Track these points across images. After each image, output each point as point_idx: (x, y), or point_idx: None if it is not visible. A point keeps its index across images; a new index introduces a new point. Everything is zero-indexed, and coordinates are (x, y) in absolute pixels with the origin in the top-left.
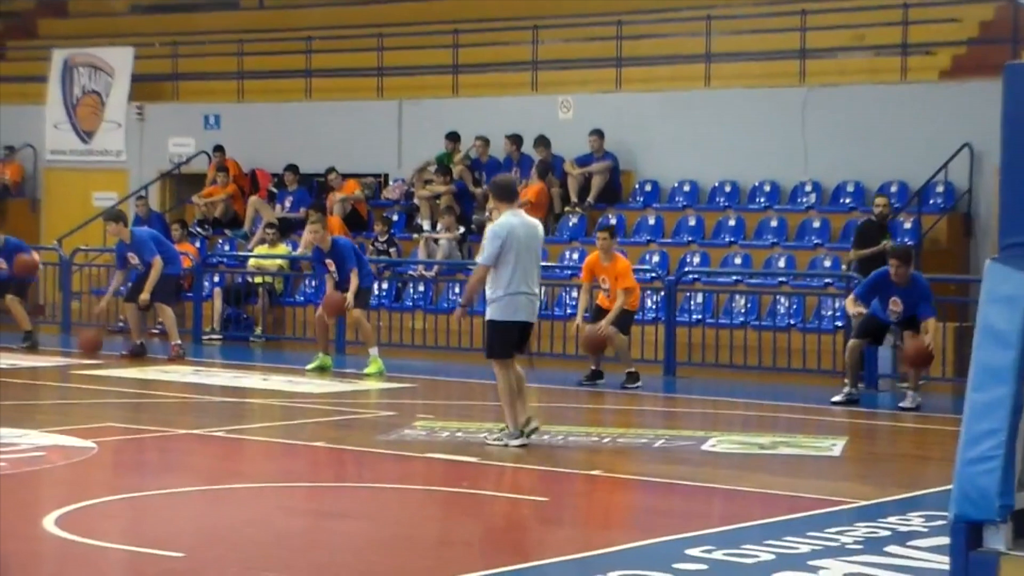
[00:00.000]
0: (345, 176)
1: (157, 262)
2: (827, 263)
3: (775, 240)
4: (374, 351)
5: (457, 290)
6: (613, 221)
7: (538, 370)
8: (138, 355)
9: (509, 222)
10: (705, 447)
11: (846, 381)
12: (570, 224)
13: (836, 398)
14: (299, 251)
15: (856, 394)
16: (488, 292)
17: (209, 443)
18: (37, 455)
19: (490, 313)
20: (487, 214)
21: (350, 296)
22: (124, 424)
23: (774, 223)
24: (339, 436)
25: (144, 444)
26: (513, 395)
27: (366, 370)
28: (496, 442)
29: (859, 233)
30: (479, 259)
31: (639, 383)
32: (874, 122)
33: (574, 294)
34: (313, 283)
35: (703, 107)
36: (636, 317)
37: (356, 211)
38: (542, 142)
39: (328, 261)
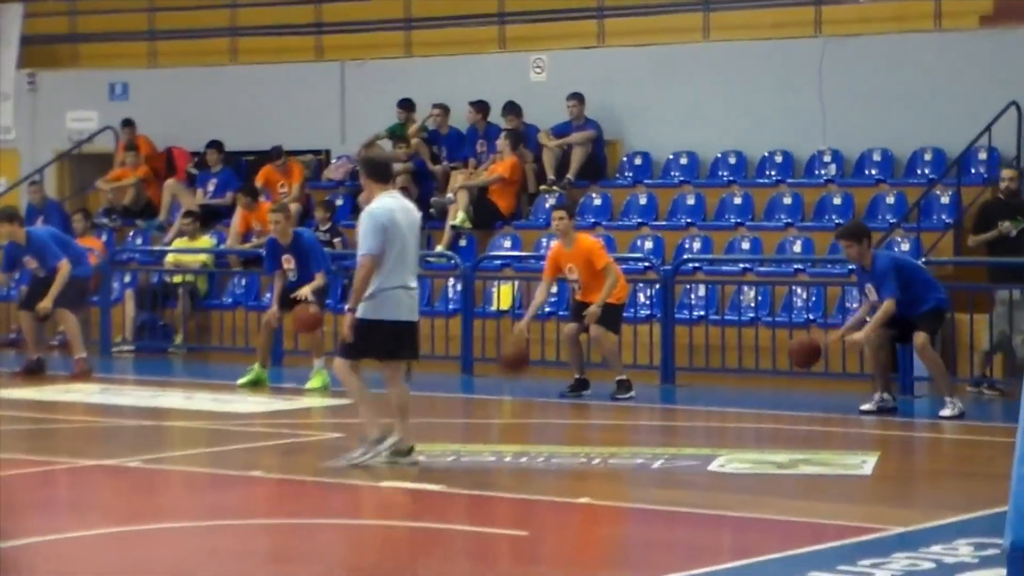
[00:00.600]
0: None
1: (64, 266)
2: None
3: (789, 220)
4: (319, 362)
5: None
6: (598, 201)
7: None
8: (35, 372)
9: (388, 206)
10: (712, 467)
11: (879, 387)
12: (547, 205)
13: (866, 406)
14: (227, 243)
15: (889, 401)
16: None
17: (122, 476)
18: None
19: (362, 310)
20: (449, 196)
21: (314, 300)
22: (19, 455)
23: (787, 200)
24: (279, 464)
25: (45, 479)
26: (368, 395)
27: (308, 384)
28: (363, 457)
29: (980, 213)
30: (361, 251)
31: (632, 393)
32: (903, 79)
33: (554, 289)
34: (243, 282)
35: (701, 64)
36: (626, 314)
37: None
38: (512, 109)
39: (287, 257)
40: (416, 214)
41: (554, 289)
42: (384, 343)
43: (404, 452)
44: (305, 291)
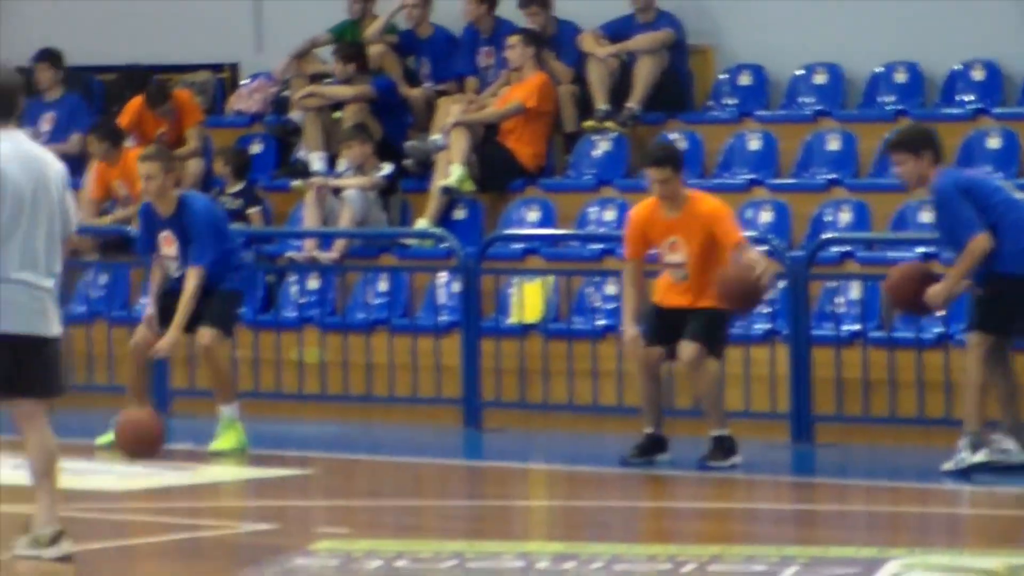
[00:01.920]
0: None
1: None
2: None
3: (1000, 173)
4: (230, 410)
5: (384, 287)
6: (681, 146)
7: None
8: None
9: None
10: None
11: None
12: (595, 153)
13: None
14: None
15: None
16: None
17: None
18: None
19: None
20: (436, 138)
21: (176, 323)
22: None
23: (994, 141)
24: (170, 574)
25: None
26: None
27: (215, 444)
28: (30, 551)
29: None
30: None
31: (736, 458)
32: None
33: (609, 288)
34: (102, 279)
35: None
36: (735, 328)
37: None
38: None
39: (166, 236)
40: (53, 169)
41: (610, 289)
42: None
43: (46, 541)
44: (163, 344)
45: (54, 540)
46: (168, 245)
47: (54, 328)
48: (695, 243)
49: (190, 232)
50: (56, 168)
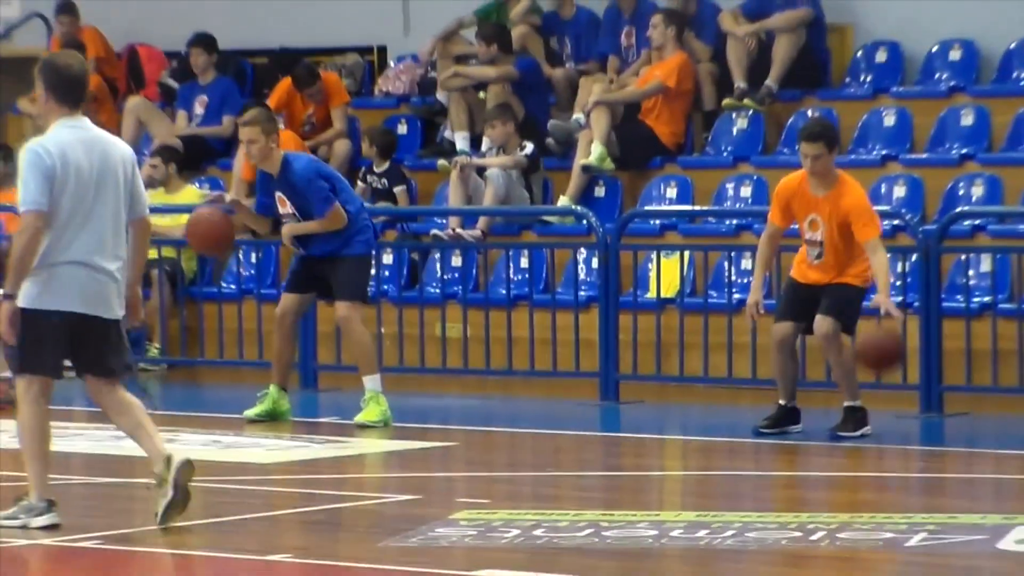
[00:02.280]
0: (301, 56)
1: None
2: None
3: None
4: (373, 382)
5: (525, 263)
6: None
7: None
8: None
9: (60, 139)
10: (1005, 544)
11: None
12: (734, 131)
13: None
14: (229, 196)
15: None
16: None
17: (73, 562)
18: None
19: (23, 297)
20: (578, 118)
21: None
22: None
23: None
24: (314, 543)
25: None
26: (42, 442)
27: (360, 417)
28: (9, 521)
29: None
30: (21, 204)
31: (867, 428)
32: None
33: (744, 263)
34: (254, 256)
35: None
36: (866, 301)
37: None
38: None
39: (279, 195)
40: (119, 154)
41: (745, 264)
42: (56, 344)
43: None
44: (229, 196)
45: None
46: (283, 205)
47: (113, 311)
48: (833, 225)
49: (298, 188)
50: (123, 152)
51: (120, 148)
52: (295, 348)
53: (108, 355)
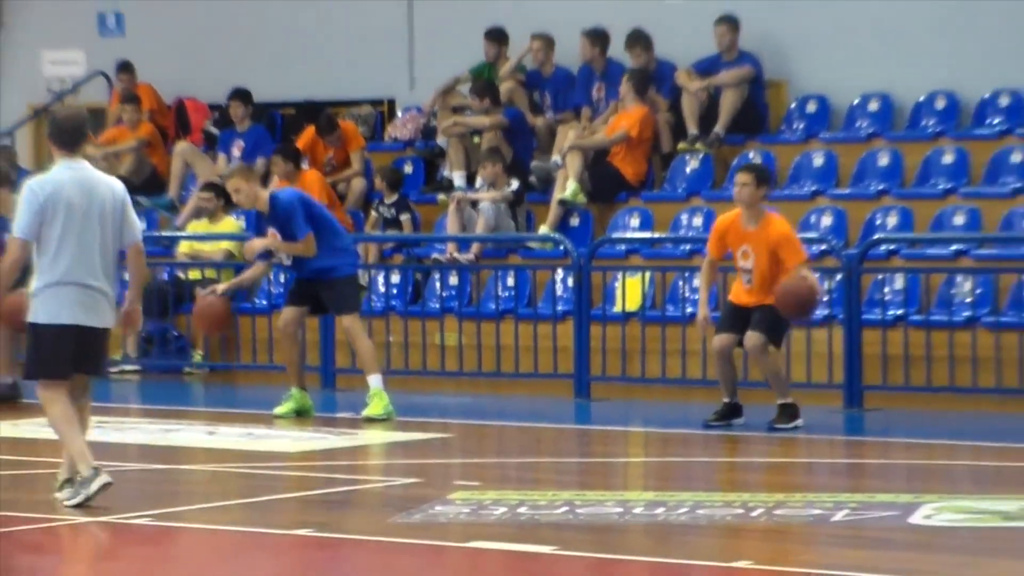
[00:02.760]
0: (323, 107)
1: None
2: None
3: (1019, 185)
4: (376, 381)
5: (511, 282)
6: (758, 162)
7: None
8: (9, 399)
9: (56, 178)
10: (915, 519)
11: None
12: (687, 170)
13: None
14: (221, 287)
15: None
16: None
17: (128, 536)
18: None
19: (32, 314)
20: (556, 160)
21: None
22: None
23: (1017, 157)
24: (333, 519)
25: (26, 540)
26: (73, 425)
27: (365, 412)
28: (72, 499)
29: None
30: (13, 231)
31: (798, 421)
32: None
33: (695, 282)
34: (283, 277)
35: None
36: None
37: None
38: (639, 40)
39: (271, 230)
40: (103, 190)
41: (697, 283)
42: (65, 352)
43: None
44: (221, 287)
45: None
46: (274, 238)
47: (104, 320)
48: (762, 256)
49: (281, 217)
50: (113, 189)
51: (111, 185)
52: (301, 351)
53: (100, 358)
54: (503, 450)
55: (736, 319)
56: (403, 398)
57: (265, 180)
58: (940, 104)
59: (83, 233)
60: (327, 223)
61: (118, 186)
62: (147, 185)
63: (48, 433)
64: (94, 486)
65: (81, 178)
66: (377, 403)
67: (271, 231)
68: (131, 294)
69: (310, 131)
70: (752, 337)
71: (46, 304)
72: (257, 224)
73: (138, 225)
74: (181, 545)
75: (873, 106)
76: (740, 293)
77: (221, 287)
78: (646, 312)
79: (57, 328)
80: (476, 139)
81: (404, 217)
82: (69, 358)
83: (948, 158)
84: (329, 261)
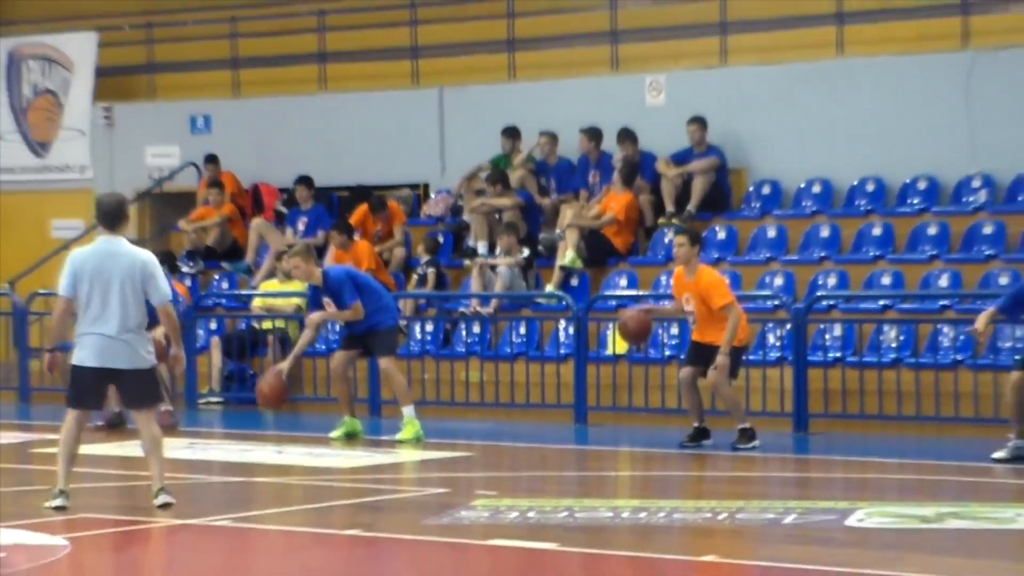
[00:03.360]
0: (372, 189)
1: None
2: (1003, 280)
3: (934, 252)
4: (409, 411)
5: (523, 330)
6: (722, 234)
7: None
8: (116, 426)
9: (91, 249)
10: (850, 522)
11: (1010, 436)
12: (666, 240)
13: (998, 454)
14: (281, 366)
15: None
16: None
17: (211, 536)
18: None
19: (73, 357)
20: (559, 232)
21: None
22: (102, 515)
23: (933, 230)
24: (377, 521)
25: (129, 540)
26: (71, 448)
27: (399, 435)
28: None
29: None
30: (58, 290)
31: (755, 443)
32: None
33: (673, 330)
34: (338, 327)
35: (835, 83)
36: (754, 356)
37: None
38: (627, 136)
39: (326, 300)
40: (119, 259)
41: (674, 331)
42: (86, 388)
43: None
44: (282, 365)
45: (157, 494)
46: (329, 307)
47: (130, 363)
48: (698, 301)
49: (333, 290)
50: (141, 260)
51: (137, 257)
52: (352, 386)
53: (134, 393)
54: (516, 466)
55: (697, 355)
56: (435, 423)
57: (323, 250)
58: (870, 187)
59: (106, 294)
60: (371, 288)
61: (146, 258)
62: (229, 253)
63: (140, 451)
64: (53, 502)
65: (110, 250)
66: (409, 429)
67: (326, 301)
68: (172, 343)
69: (362, 209)
70: (712, 375)
71: (77, 350)
72: (312, 295)
73: (164, 289)
74: (256, 542)
75: (816, 189)
76: (696, 333)
77: (285, 366)
78: (632, 355)
79: (80, 368)
80: (497, 216)
81: (430, 271)
82: (93, 393)
83: (877, 231)
84: (375, 318)
